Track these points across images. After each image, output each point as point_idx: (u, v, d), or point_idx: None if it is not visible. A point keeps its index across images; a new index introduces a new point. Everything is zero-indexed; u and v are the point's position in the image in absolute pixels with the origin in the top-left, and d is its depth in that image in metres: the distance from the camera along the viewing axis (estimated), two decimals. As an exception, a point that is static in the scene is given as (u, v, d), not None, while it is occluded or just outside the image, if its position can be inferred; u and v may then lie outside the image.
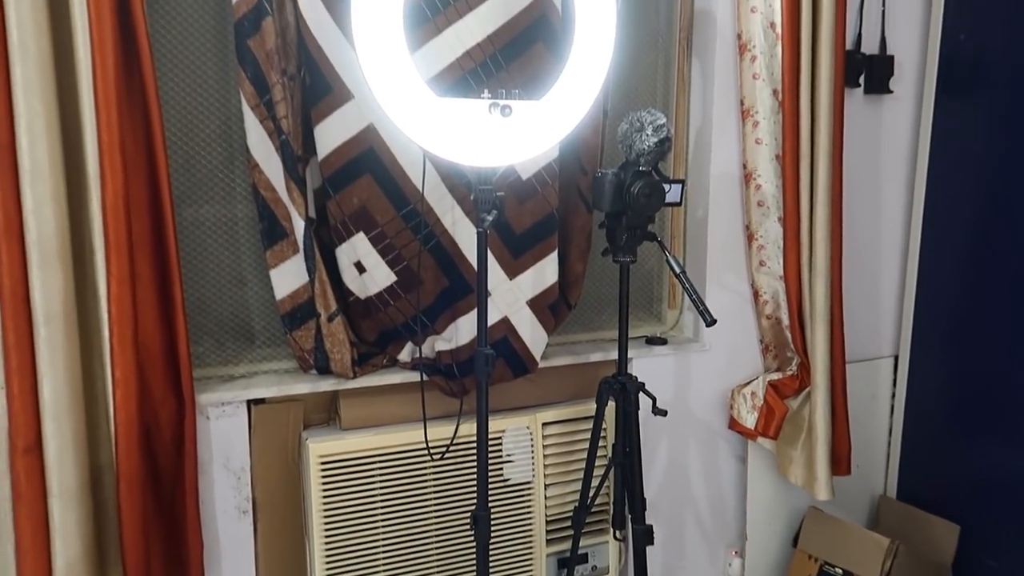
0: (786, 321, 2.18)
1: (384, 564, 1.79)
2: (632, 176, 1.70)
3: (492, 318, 1.80)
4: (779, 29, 2.00)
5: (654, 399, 1.85)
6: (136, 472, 1.54)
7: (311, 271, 1.69)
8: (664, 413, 1.84)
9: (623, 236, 1.75)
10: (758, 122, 2.07)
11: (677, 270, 1.72)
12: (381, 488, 1.77)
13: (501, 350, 1.83)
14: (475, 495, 1.79)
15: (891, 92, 2.28)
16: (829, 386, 2.14)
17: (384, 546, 1.78)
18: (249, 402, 1.72)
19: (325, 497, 1.72)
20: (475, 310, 1.74)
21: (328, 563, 1.74)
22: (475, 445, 1.80)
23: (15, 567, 1.48)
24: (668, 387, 2.14)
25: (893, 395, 2.46)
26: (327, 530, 1.73)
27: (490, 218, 1.53)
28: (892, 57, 2.26)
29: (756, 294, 2.20)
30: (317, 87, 1.62)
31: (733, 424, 2.22)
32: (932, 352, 2.34)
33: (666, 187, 1.77)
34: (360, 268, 1.72)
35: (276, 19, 1.59)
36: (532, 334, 1.85)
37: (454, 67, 1.69)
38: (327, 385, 1.76)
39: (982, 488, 2.21)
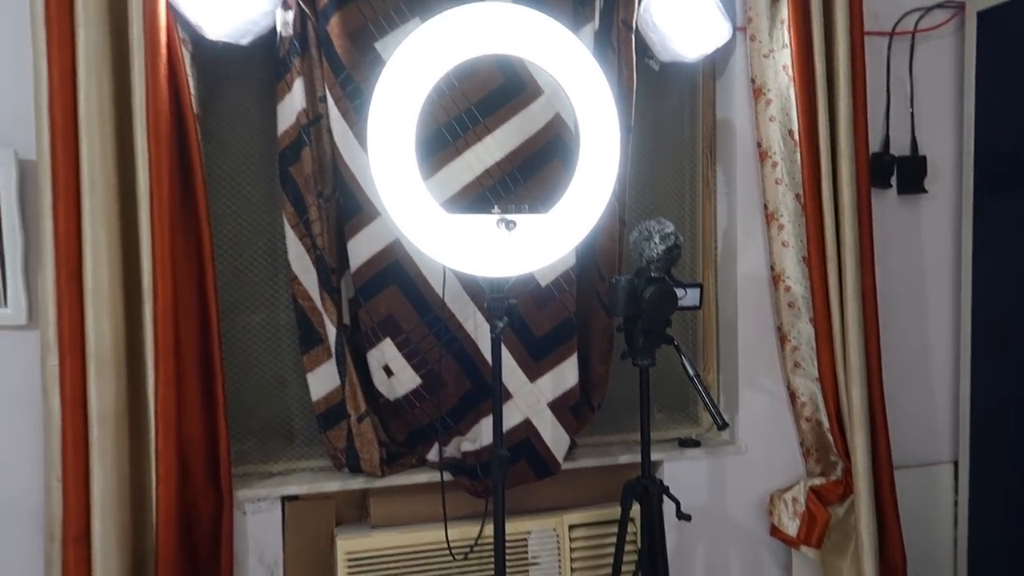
0: (826, 424, 2.14)
1: (407, 664, 1.82)
2: (645, 282, 1.77)
3: (514, 420, 1.87)
4: (797, 136, 2.06)
5: (678, 503, 1.86)
6: (174, 561, 1.66)
7: (342, 374, 1.82)
8: (688, 518, 1.84)
9: (640, 339, 1.80)
10: (783, 225, 2.11)
11: (691, 372, 1.75)
12: (406, 586, 1.82)
13: (523, 452, 1.88)
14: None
15: (926, 192, 2.28)
16: (873, 492, 2.07)
17: (408, 645, 1.82)
18: (284, 498, 1.83)
19: (351, 593, 1.79)
20: (497, 411, 1.82)
21: (353, 660, 1.79)
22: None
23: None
24: (702, 491, 2.13)
25: (955, 503, 2.34)
26: (353, 627, 1.78)
27: (501, 324, 1.63)
28: (924, 157, 2.27)
29: (793, 396, 2.18)
30: (349, 207, 1.79)
31: (774, 531, 2.16)
32: (994, 456, 2.23)
33: (682, 292, 1.82)
34: (388, 372, 1.84)
35: (314, 149, 1.79)
36: (554, 436, 1.90)
37: (474, 184, 1.83)
38: (357, 483, 1.85)
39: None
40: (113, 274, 1.61)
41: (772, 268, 2.15)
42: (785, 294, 2.14)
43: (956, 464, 2.34)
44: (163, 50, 1.63)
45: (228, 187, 1.87)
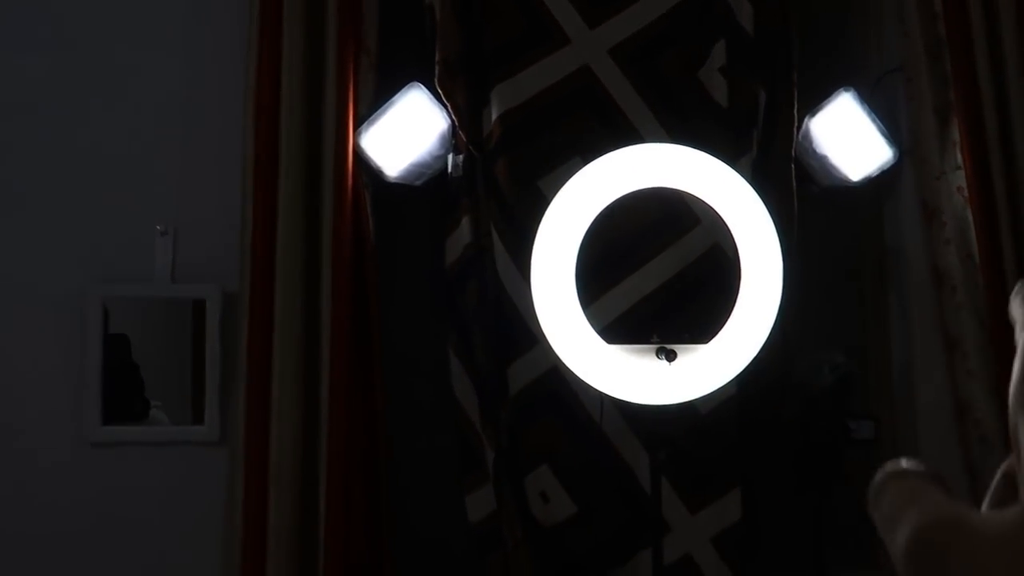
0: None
1: None
2: (814, 416, 1.70)
3: (674, 555, 1.80)
4: (976, 260, 1.95)
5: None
6: None
7: (499, 499, 1.85)
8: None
9: (811, 476, 1.72)
10: (967, 352, 1.97)
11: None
12: None
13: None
14: None
15: None
16: None
17: None
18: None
19: None
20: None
21: None
22: None
23: None
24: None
25: None
26: None
27: (662, 455, 1.62)
28: None
29: (989, 542, 1.96)
30: (510, 335, 1.86)
31: None
32: None
33: (854, 424, 1.74)
34: (545, 498, 1.85)
35: (479, 280, 1.89)
36: (718, 573, 1.81)
37: (630, 312, 1.85)
38: (515, 613, 1.84)
39: None
40: (296, 401, 1.74)
41: (956, 399, 2.00)
42: (974, 428, 1.97)
43: None
44: (349, 194, 1.81)
45: (400, 316, 2.00)
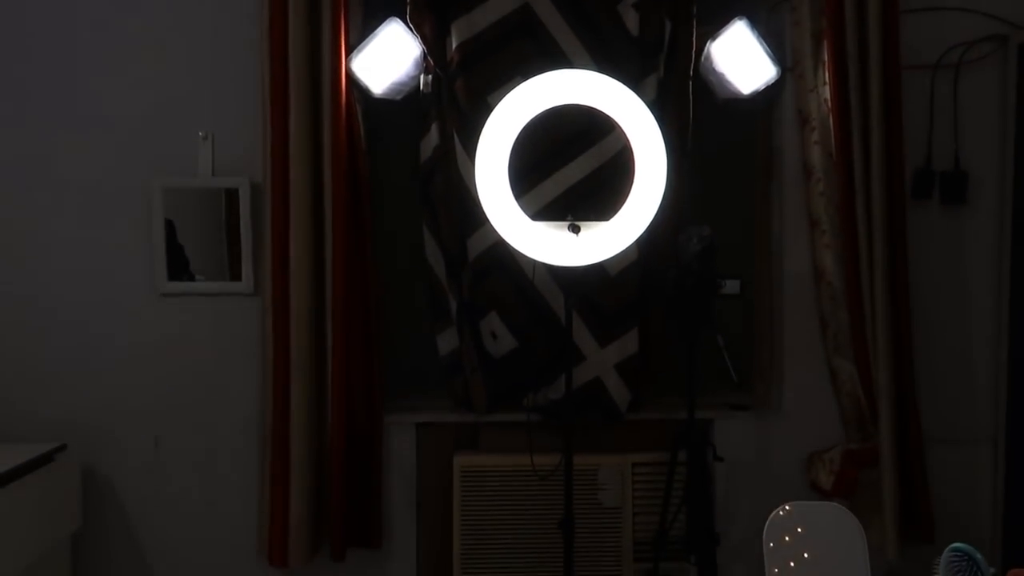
0: (863, 399, 2.54)
1: (502, 550, 2.45)
2: (687, 275, 2.29)
3: (586, 377, 2.46)
4: (834, 157, 2.49)
5: (714, 447, 2.37)
6: (341, 459, 2.39)
7: (461, 337, 2.49)
8: (721, 459, 2.35)
9: (687, 321, 2.33)
10: (824, 230, 2.54)
11: (721, 344, 2.25)
12: (503, 495, 2.45)
13: (593, 402, 2.46)
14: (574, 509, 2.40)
15: (966, 202, 2.60)
16: (895, 456, 2.45)
17: (503, 537, 2.45)
18: (417, 425, 2.53)
19: (463, 496, 2.44)
20: (574, 369, 2.42)
21: (463, 544, 2.44)
22: (576, 473, 2.43)
23: (268, 512, 2.37)
24: (749, 449, 2.59)
25: (995, 479, 2.64)
26: (463, 520, 2.44)
27: (573, 300, 2.24)
28: (966, 172, 2.60)
29: (835, 374, 2.59)
30: (467, 216, 2.45)
31: (812, 486, 2.59)
32: (1028, 437, 2.53)
33: (724, 282, 2.33)
34: (494, 336, 2.48)
35: (444, 173, 2.47)
36: (618, 391, 2.47)
37: (560, 198, 2.43)
38: (469, 418, 2.52)
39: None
40: (307, 262, 2.36)
41: (816, 266, 2.58)
42: (827, 288, 2.56)
43: (996, 442, 2.64)
44: (343, 107, 2.37)
45: (385, 201, 2.60)
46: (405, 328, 2.64)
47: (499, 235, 2.34)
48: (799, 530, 1.29)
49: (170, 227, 2.50)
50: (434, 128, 2.46)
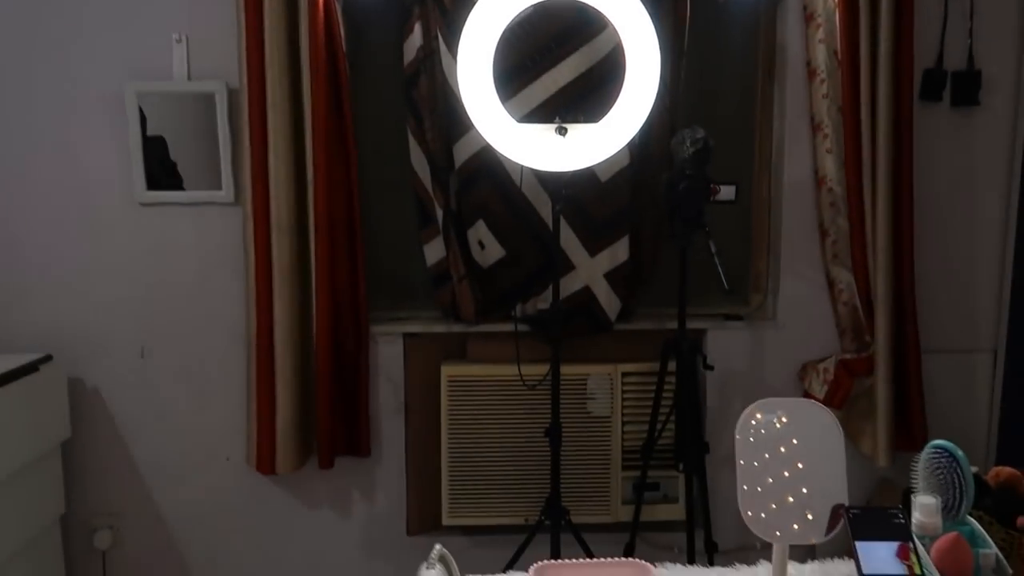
0: (860, 308, 2.48)
1: (490, 458, 2.45)
2: (680, 179, 2.21)
3: (576, 286, 2.40)
4: (840, 56, 2.36)
5: (704, 356, 2.33)
6: (328, 370, 2.37)
7: (447, 247, 2.43)
8: (711, 368, 2.31)
9: (679, 226, 2.26)
10: (827, 134, 2.43)
11: (713, 250, 2.18)
12: (491, 404, 2.44)
13: (583, 311, 2.42)
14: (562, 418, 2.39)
15: (979, 104, 2.48)
16: (890, 366, 2.40)
17: (491, 445, 2.45)
18: (404, 335, 2.50)
19: (450, 404, 2.43)
20: (564, 278, 2.36)
21: (451, 452, 2.44)
22: (565, 382, 2.41)
23: (254, 418, 2.37)
24: (742, 359, 2.55)
25: (992, 389, 2.59)
26: (451, 430, 2.43)
27: (560, 205, 2.16)
28: (979, 71, 2.46)
29: (832, 283, 2.52)
30: (453, 120, 2.36)
31: (806, 395, 2.56)
32: (1029, 348, 2.47)
33: (720, 187, 2.24)
34: (481, 245, 2.42)
35: (429, 76, 2.36)
36: (608, 300, 2.41)
37: (549, 101, 2.33)
38: (457, 328, 2.48)
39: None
40: (288, 168, 2.29)
41: (816, 172, 2.49)
42: (827, 194, 2.47)
43: (995, 353, 2.58)
44: (321, 7, 2.25)
45: (367, 106, 2.50)
46: (392, 238, 2.58)
47: (485, 140, 2.27)
48: (776, 425, 1.25)
49: (162, 144, 2.43)
50: (417, 28, 2.34)
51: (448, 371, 2.44)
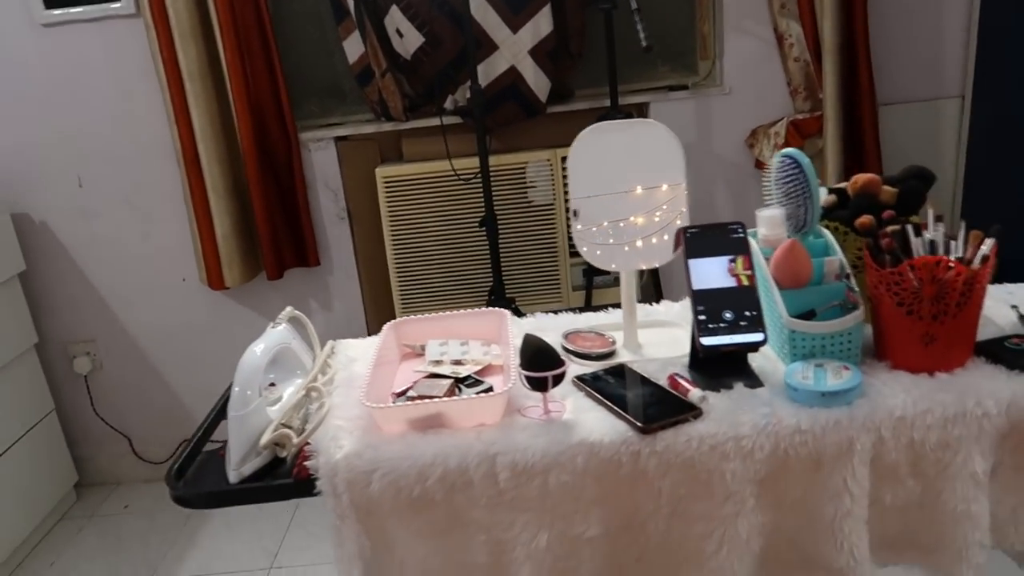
0: (811, 62, 2.31)
1: (434, 255, 2.44)
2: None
3: (501, 67, 2.28)
4: None
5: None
6: (262, 184, 2.34)
7: (365, 39, 2.31)
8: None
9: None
10: None
11: (633, 6, 2.03)
12: (429, 202, 2.40)
13: (511, 94, 2.30)
14: (500, 207, 2.35)
15: None
16: (840, 119, 2.27)
17: (434, 242, 2.43)
18: (336, 139, 2.44)
19: (389, 206, 2.40)
20: (487, 60, 2.24)
21: (395, 253, 2.44)
22: (503, 171, 2.35)
23: (198, 236, 2.39)
24: (690, 130, 2.43)
25: (959, 135, 2.45)
26: (392, 231, 2.42)
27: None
28: None
29: (781, 38, 2.34)
30: None
31: (758, 164, 2.45)
32: (996, 91, 2.30)
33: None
34: (400, 34, 2.30)
35: None
36: (536, 79, 2.29)
37: None
38: (388, 127, 2.41)
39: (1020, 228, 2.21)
40: (179, -32, 2.17)
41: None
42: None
43: (963, 99, 2.41)
44: None
45: None
46: (311, 38, 2.45)
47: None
48: (611, 145, 1.18)
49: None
50: None
51: (382, 172, 2.39)
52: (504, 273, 2.42)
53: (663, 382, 1.10)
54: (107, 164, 2.45)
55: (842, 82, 2.25)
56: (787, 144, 2.37)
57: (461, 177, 2.36)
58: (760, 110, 2.42)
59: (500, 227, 2.37)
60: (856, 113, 2.31)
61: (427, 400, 1.05)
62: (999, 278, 1.28)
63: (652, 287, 2.43)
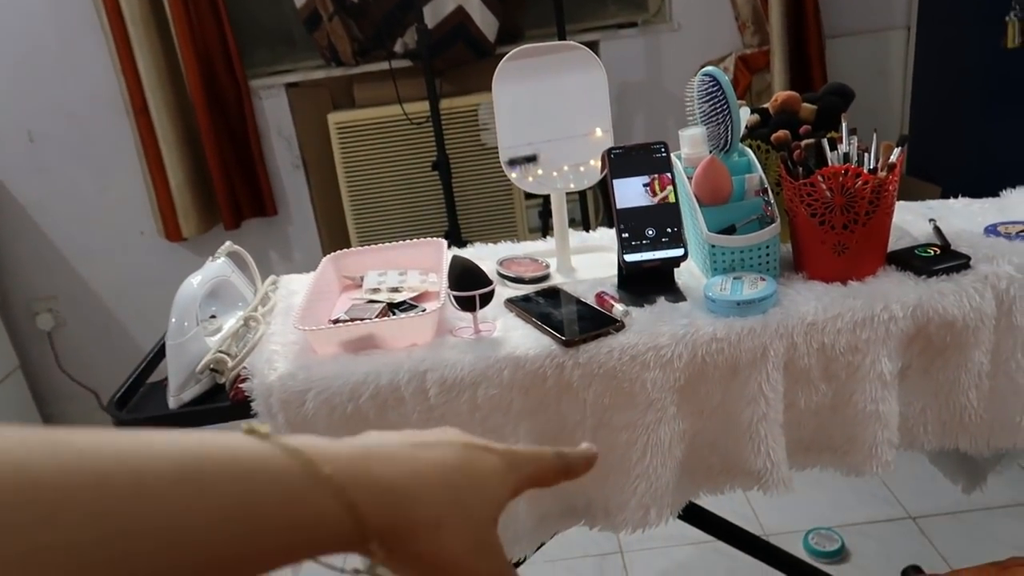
0: (759, -4, 2.33)
1: (390, 200, 2.46)
2: None
3: (448, 8, 2.27)
4: None
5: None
6: (212, 129, 2.34)
7: (311, -18, 2.29)
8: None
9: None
10: None
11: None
12: (382, 147, 2.41)
13: (460, 35, 2.30)
14: (454, 151, 2.36)
15: None
16: (787, 53, 2.29)
17: (389, 188, 2.45)
18: (287, 86, 2.43)
19: (343, 153, 2.40)
20: (434, 1, 2.23)
21: (352, 200, 2.45)
22: (455, 114, 2.35)
23: (152, 188, 2.39)
24: (639, 68, 2.45)
25: (906, 66, 2.48)
26: (347, 177, 2.42)
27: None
28: None
29: (729, -27, 2.35)
30: None
31: (709, 99, 2.47)
32: (941, 21, 2.32)
33: None
34: (345, -24, 2.28)
35: None
36: (483, 18, 2.29)
37: None
38: (338, 72, 2.40)
39: (963, 155, 2.25)
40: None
41: None
42: None
43: (909, 29, 2.44)
44: None
45: None
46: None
47: None
48: (535, 76, 1.20)
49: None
50: None
51: (335, 118, 2.39)
52: (459, 216, 2.44)
53: (591, 301, 1.14)
54: (57, 118, 2.43)
55: (789, 16, 2.27)
56: (735, 80, 2.39)
57: (413, 121, 2.37)
58: (709, 46, 2.43)
59: (454, 170, 2.38)
60: (803, 47, 2.33)
61: (359, 321, 1.08)
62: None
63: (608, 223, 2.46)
